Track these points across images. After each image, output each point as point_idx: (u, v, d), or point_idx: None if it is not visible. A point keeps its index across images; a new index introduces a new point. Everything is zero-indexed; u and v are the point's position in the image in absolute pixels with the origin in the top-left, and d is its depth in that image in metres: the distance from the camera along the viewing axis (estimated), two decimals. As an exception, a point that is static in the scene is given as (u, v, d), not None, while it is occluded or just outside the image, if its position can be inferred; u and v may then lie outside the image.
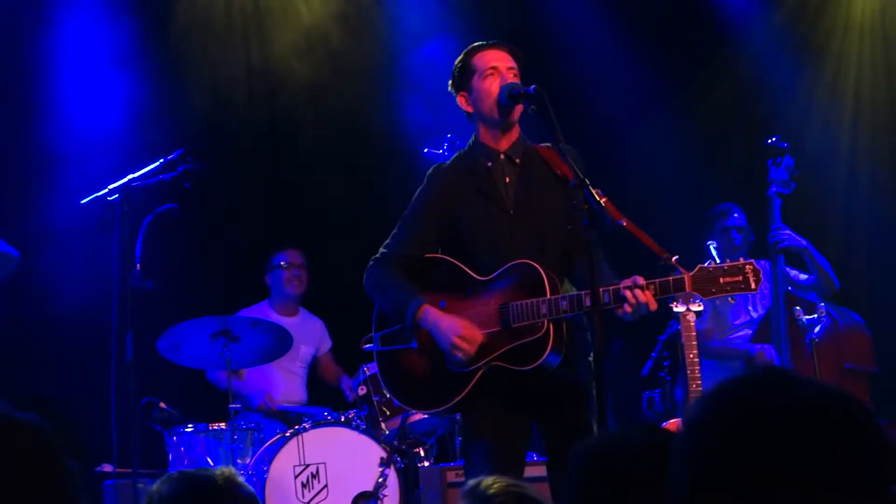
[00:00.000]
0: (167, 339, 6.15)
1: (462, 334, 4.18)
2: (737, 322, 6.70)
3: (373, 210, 6.74)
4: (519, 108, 4.33)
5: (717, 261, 4.43)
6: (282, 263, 7.23)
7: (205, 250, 7.80)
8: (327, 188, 7.97)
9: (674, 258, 4.04)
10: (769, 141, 6.26)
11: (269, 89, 7.99)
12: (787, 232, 6.22)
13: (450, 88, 4.49)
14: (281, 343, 6.42)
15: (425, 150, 5.93)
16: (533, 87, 4.20)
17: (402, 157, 7.00)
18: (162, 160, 6.01)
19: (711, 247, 6.12)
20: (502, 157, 4.39)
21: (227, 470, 2.51)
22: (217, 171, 6.76)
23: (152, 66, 7.75)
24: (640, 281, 4.02)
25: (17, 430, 1.55)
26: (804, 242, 6.30)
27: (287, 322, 6.87)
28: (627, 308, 4.01)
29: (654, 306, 4.03)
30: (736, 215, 6.74)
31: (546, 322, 4.12)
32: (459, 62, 4.47)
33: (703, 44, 8.08)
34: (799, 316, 5.93)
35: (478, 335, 4.20)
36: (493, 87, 4.34)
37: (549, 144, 4.33)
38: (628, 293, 3.99)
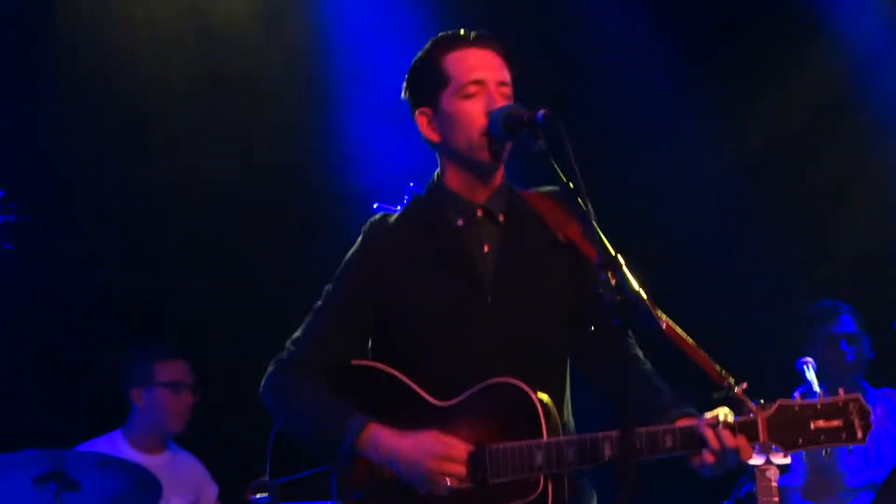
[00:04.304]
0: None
1: (439, 452, 3.40)
2: (852, 481, 6.00)
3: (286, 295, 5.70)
4: (510, 143, 3.59)
5: (815, 389, 4.15)
6: (169, 380, 6.22)
7: (29, 350, 6.76)
8: (214, 265, 7.02)
9: (739, 387, 3.40)
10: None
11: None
12: None
13: (404, 96, 3.69)
14: (143, 492, 5.52)
15: (375, 206, 4.91)
16: (541, 112, 3.40)
17: (339, 215, 6.19)
18: (-30, 206, 5.38)
19: (807, 367, 5.35)
20: (480, 212, 3.65)
21: None
22: (55, 227, 6.27)
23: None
24: (728, 418, 3.43)
25: None
26: None
27: (150, 462, 6.00)
28: (708, 457, 3.31)
29: (748, 456, 3.41)
30: (845, 318, 6.08)
31: (542, 478, 3.41)
32: (423, 60, 3.64)
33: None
34: None
35: (460, 449, 3.43)
36: (476, 111, 3.54)
37: (547, 190, 3.66)
38: (710, 433, 3.30)
